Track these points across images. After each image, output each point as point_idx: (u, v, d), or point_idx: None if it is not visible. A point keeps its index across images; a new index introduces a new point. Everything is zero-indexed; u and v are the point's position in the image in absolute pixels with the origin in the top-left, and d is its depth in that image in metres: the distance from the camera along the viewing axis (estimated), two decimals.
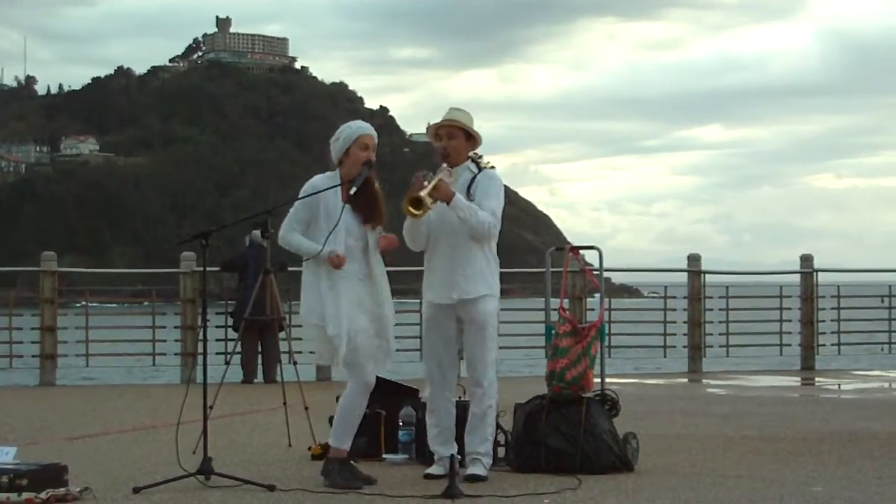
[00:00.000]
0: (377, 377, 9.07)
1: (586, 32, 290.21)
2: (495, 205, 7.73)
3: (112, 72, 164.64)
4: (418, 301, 17.83)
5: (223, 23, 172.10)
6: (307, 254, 7.62)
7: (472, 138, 7.87)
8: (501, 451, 8.27)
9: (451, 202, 7.59)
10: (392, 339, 7.70)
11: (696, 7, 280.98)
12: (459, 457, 7.87)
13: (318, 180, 7.74)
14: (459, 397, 8.07)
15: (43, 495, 6.87)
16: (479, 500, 7.05)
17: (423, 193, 7.52)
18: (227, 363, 11.94)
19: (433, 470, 7.71)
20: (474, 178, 7.80)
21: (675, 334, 18.82)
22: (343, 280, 7.56)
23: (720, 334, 19.03)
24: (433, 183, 7.58)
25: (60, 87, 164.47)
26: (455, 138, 7.81)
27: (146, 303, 20.01)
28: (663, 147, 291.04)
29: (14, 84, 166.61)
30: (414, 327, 17.86)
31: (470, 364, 7.84)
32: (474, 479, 7.65)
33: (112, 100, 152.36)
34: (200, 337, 8.03)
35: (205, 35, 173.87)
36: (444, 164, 7.79)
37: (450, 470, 7.21)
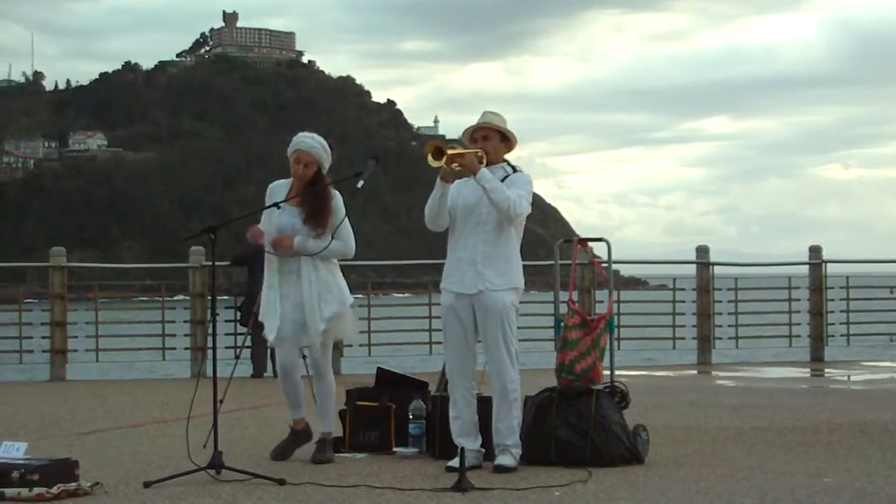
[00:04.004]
0: (387, 371, 9.15)
1: (592, 24, 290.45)
2: (522, 193, 7.83)
3: (119, 67, 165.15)
4: (427, 294, 17.95)
5: (230, 17, 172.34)
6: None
7: (506, 139, 8.01)
8: None
9: (478, 175, 7.72)
10: (316, 325, 8.15)
11: None
12: (484, 450, 7.90)
13: (274, 186, 8.36)
14: (480, 392, 8.08)
15: (54, 490, 6.89)
16: (489, 493, 7.06)
17: (449, 150, 7.68)
18: (237, 357, 11.95)
19: (455, 462, 7.68)
20: (507, 176, 7.90)
21: (683, 326, 18.80)
22: (277, 276, 8.23)
23: (729, 326, 19.00)
24: (463, 151, 7.78)
25: (68, 82, 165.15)
26: (490, 139, 7.95)
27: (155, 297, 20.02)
28: (670, 139, 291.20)
29: (22, 80, 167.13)
30: (423, 321, 17.90)
31: (490, 357, 7.86)
32: (503, 469, 7.68)
33: (119, 95, 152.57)
34: (210, 331, 8.06)
35: (212, 30, 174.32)
36: (480, 150, 7.89)
37: (461, 463, 7.22)
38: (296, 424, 8.45)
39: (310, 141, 8.25)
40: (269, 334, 8.26)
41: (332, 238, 8.20)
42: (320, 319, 8.13)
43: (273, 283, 8.24)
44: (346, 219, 8.29)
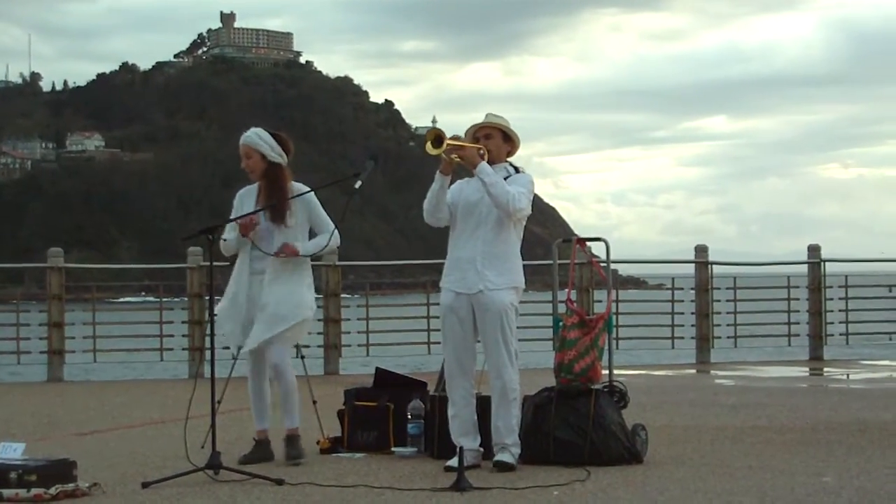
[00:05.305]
0: (385, 371, 9.13)
1: (590, 24, 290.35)
2: (523, 190, 7.82)
3: (117, 68, 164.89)
4: (425, 294, 17.92)
5: (227, 18, 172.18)
6: (231, 246, 8.32)
7: (509, 139, 8.01)
8: None
9: (477, 168, 7.72)
10: (265, 327, 8.15)
11: None
12: (482, 449, 7.88)
13: (242, 192, 8.44)
14: (479, 392, 8.06)
15: (52, 491, 6.88)
16: (488, 492, 7.04)
17: (449, 139, 7.67)
18: (235, 358, 11.91)
19: (454, 462, 7.61)
20: (509, 176, 7.90)
21: (682, 325, 18.80)
22: (244, 276, 8.24)
23: (728, 325, 19.01)
24: (464, 144, 7.78)
25: (65, 83, 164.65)
26: (492, 138, 7.95)
27: (150, 296, 20.00)
28: (669, 138, 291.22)
29: (19, 81, 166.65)
30: (421, 321, 17.89)
31: (489, 356, 7.84)
32: (502, 466, 7.67)
33: (117, 96, 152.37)
34: (208, 332, 8.05)
35: (209, 30, 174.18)
36: (481, 146, 7.88)
37: (459, 463, 7.20)
38: (259, 435, 8.38)
39: (244, 132, 8.36)
40: (234, 339, 8.31)
41: (331, 236, 8.21)
42: (269, 327, 8.13)
43: (241, 285, 8.25)
44: (325, 212, 8.31)
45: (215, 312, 8.31)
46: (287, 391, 8.29)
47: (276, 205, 8.17)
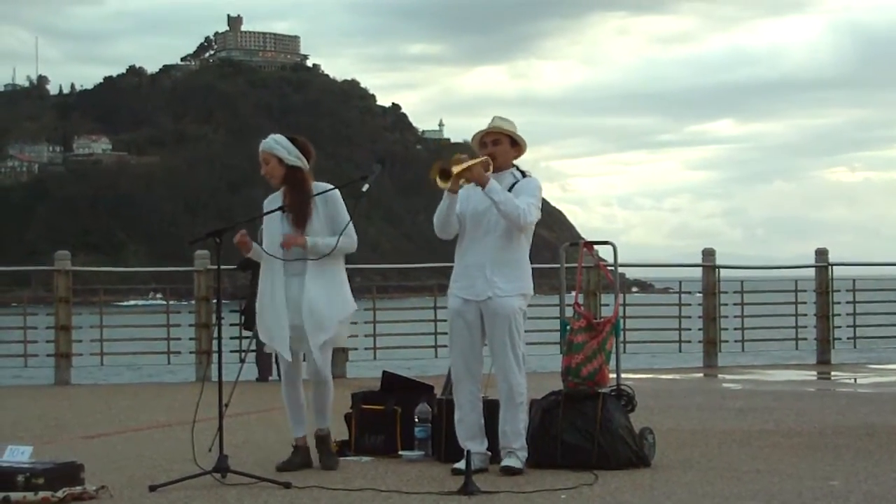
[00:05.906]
0: (392, 374, 9.13)
1: (598, 27, 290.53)
2: (532, 200, 7.81)
3: (124, 71, 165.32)
4: (432, 298, 17.93)
5: (234, 21, 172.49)
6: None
7: (516, 144, 8.00)
8: None
9: (486, 188, 7.69)
10: (318, 332, 8.03)
11: (707, 0, 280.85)
12: (489, 453, 7.88)
13: (268, 200, 8.36)
14: (486, 395, 8.05)
15: (59, 494, 6.87)
16: (495, 496, 7.04)
17: (454, 169, 7.64)
18: (242, 361, 11.92)
19: (461, 465, 7.50)
20: (516, 182, 7.88)
21: (689, 329, 18.78)
22: (278, 278, 8.09)
23: (735, 329, 19.00)
24: (468, 164, 7.72)
25: (72, 86, 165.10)
26: (500, 144, 7.94)
27: (159, 295, 20.03)
28: (676, 142, 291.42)
29: (26, 84, 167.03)
30: (429, 324, 17.89)
31: (496, 360, 7.84)
32: (510, 471, 7.66)
33: (124, 99, 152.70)
34: (215, 335, 8.03)
35: (216, 33, 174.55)
36: (486, 157, 7.86)
37: (466, 466, 7.20)
38: (299, 442, 8.24)
39: (262, 140, 8.33)
40: (278, 345, 8.11)
41: (340, 235, 8.06)
42: (322, 330, 8.03)
43: (276, 288, 8.07)
44: (346, 212, 8.20)
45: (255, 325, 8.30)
46: (325, 394, 8.20)
47: (286, 208, 8.12)
